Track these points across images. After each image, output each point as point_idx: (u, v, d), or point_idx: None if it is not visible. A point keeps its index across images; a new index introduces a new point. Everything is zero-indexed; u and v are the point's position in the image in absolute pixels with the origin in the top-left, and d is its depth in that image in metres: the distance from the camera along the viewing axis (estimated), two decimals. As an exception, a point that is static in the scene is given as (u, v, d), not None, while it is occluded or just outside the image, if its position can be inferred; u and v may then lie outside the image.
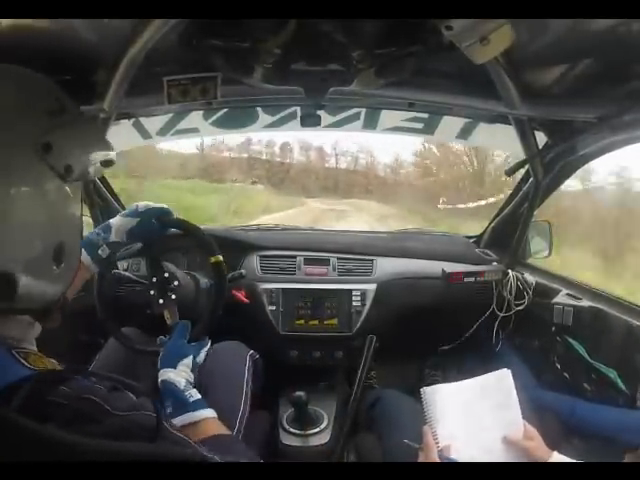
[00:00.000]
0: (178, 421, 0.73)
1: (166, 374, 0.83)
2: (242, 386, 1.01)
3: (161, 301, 1.05)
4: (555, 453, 0.76)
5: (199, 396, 0.80)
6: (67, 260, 0.49)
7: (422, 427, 0.81)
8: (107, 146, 0.58)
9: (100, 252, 0.90)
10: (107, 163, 0.57)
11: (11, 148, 0.43)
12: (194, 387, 0.82)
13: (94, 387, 0.46)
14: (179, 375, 0.83)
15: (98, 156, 0.55)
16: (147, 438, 0.44)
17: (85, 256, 0.88)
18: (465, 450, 0.78)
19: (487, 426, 0.81)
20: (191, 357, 0.87)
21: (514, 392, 0.84)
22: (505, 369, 0.87)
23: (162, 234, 1.02)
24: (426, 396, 0.84)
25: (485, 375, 0.87)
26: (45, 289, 0.47)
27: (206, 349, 0.93)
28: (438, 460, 0.75)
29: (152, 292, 1.06)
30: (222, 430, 0.75)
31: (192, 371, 0.86)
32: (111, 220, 0.96)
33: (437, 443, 0.78)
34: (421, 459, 0.77)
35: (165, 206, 1.01)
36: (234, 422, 0.93)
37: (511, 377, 0.85)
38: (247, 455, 0.69)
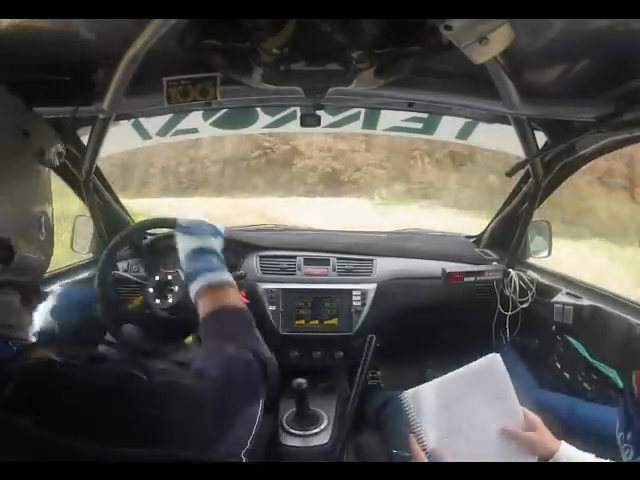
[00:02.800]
0: (191, 294, 0.70)
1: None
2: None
3: (159, 301, 1.05)
4: (563, 443, 0.70)
5: (194, 265, 0.72)
6: (47, 231, 0.56)
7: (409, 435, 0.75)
8: (56, 138, 0.64)
9: None
10: (59, 155, 0.63)
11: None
12: (206, 251, 0.74)
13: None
14: (184, 262, 0.75)
15: (56, 146, 0.62)
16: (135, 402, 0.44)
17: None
18: (460, 450, 0.72)
19: (481, 421, 0.74)
20: (179, 234, 0.77)
21: (507, 378, 0.75)
22: (494, 353, 0.78)
23: None
24: (408, 401, 0.77)
25: (472, 364, 0.78)
26: (35, 257, 0.53)
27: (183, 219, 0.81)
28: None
29: (151, 293, 1.06)
30: (230, 302, 0.69)
31: (190, 235, 0.76)
32: None
33: (425, 449, 0.73)
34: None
35: None
36: (251, 430, 0.92)
37: (502, 362, 0.76)
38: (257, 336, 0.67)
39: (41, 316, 0.94)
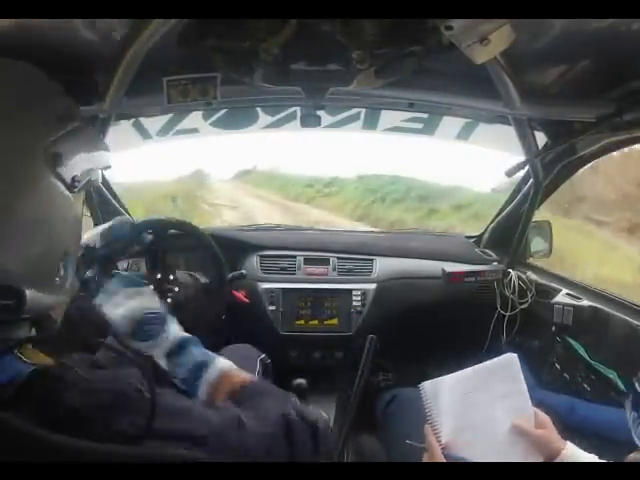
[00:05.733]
0: (204, 386, 0.64)
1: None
2: None
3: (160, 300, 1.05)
4: (569, 443, 0.72)
5: (183, 372, 0.66)
6: (67, 269, 0.48)
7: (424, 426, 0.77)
8: (106, 150, 0.57)
9: None
10: (106, 168, 0.57)
11: (18, 154, 0.41)
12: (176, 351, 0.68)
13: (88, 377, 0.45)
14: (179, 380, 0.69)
15: (100, 162, 0.54)
16: (139, 409, 0.42)
17: None
18: (473, 444, 0.74)
19: (495, 417, 0.76)
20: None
21: (522, 378, 0.78)
22: (511, 353, 0.81)
23: (132, 238, 0.99)
24: (426, 391, 0.78)
25: (490, 361, 0.80)
26: (47, 299, 0.46)
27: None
28: (443, 459, 0.71)
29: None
30: (245, 377, 0.65)
31: (142, 339, 0.68)
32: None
33: (440, 440, 0.74)
34: (425, 460, 0.74)
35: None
36: None
37: (518, 362, 0.79)
38: (280, 395, 0.62)
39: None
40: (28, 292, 0.42)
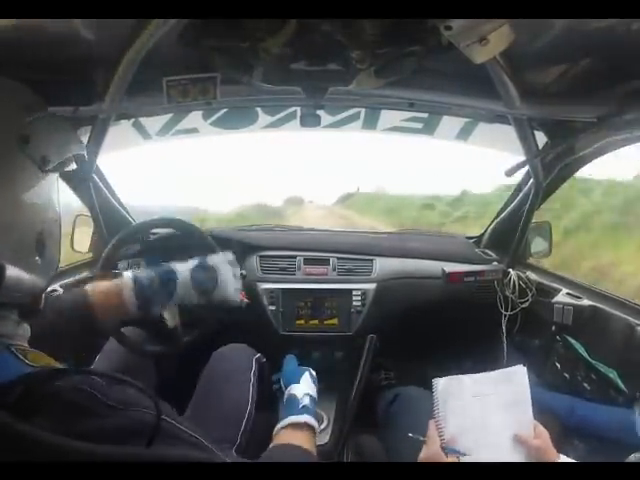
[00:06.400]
0: (286, 421, 0.77)
1: (292, 389, 0.85)
2: (248, 390, 1.00)
3: (161, 299, 1.05)
4: (562, 456, 0.74)
5: (310, 403, 0.82)
6: (48, 251, 0.51)
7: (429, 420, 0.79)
8: (78, 141, 0.62)
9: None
10: (78, 158, 0.60)
11: None
12: (313, 399, 0.85)
13: (92, 381, 0.45)
14: (301, 387, 0.86)
15: (71, 151, 0.59)
16: (145, 436, 0.43)
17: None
18: (473, 445, 0.76)
19: (497, 422, 0.79)
20: (307, 373, 0.90)
21: (528, 390, 0.81)
22: (521, 365, 0.84)
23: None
24: (438, 387, 0.82)
25: (500, 370, 0.84)
26: (30, 280, 0.48)
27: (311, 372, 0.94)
28: (440, 452, 0.73)
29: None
30: (304, 442, 0.75)
31: (314, 384, 0.89)
32: None
33: (442, 436, 0.77)
34: (423, 452, 0.75)
35: None
36: (239, 426, 0.93)
37: (526, 374, 0.83)
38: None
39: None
40: (8, 268, 0.43)
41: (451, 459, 0.73)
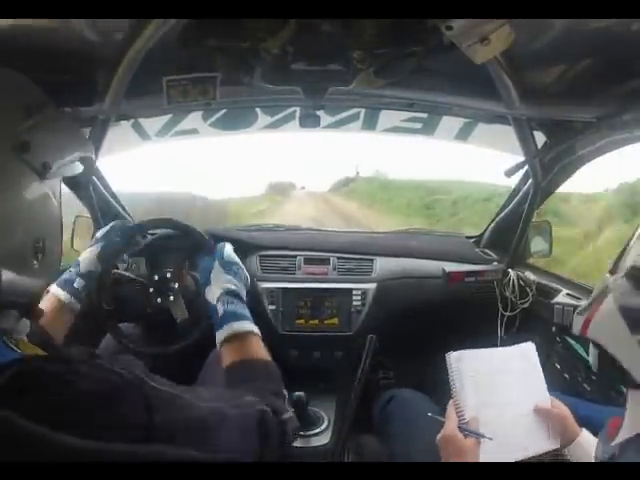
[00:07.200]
0: (216, 340, 0.73)
1: (206, 294, 0.79)
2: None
3: (160, 300, 1.05)
4: (584, 430, 0.75)
5: (229, 308, 0.74)
6: (47, 255, 0.51)
7: (435, 423, 0.78)
8: (85, 143, 0.60)
9: (76, 285, 0.90)
10: (86, 161, 0.59)
11: None
12: (234, 294, 0.77)
13: (79, 366, 0.44)
14: (213, 287, 0.79)
15: (76, 153, 0.57)
16: (133, 402, 0.43)
17: (65, 295, 0.87)
18: (493, 422, 0.75)
19: (515, 398, 0.79)
20: (216, 262, 0.82)
21: (539, 364, 0.82)
22: (529, 342, 0.85)
23: (130, 244, 1.05)
24: (452, 362, 0.80)
25: (510, 347, 0.84)
26: (27, 283, 0.48)
27: (229, 246, 0.88)
28: (457, 432, 0.72)
29: (152, 291, 1.06)
30: (253, 353, 0.70)
31: (227, 272, 0.80)
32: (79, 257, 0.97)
33: (462, 415, 0.75)
34: (442, 432, 0.74)
35: (118, 221, 1.06)
36: None
37: (535, 350, 0.84)
38: (277, 388, 0.66)
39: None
40: (4, 272, 0.43)
41: (470, 440, 0.72)
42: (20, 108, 0.48)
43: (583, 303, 0.61)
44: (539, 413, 0.77)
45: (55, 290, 0.87)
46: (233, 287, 0.78)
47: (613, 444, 0.57)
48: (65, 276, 0.92)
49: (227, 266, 0.82)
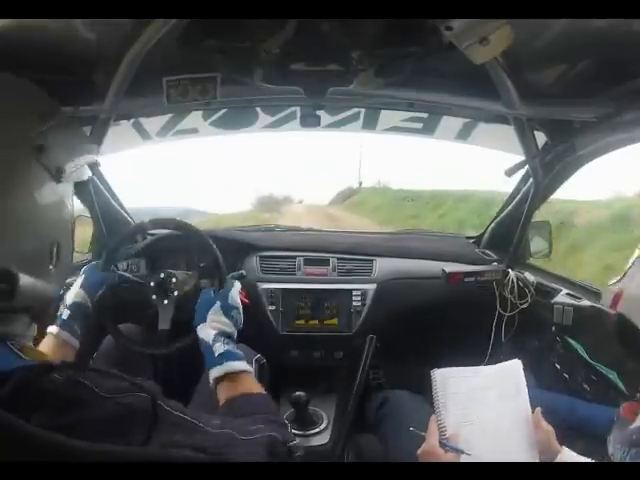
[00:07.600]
0: (211, 376, 0.75)
1: (199, 331, 0.81)
2: None
3: (159, 300, 1.05)
4: (565, 448, 0.74)
5: (225, 348, 0.77)
6: (61, 259, 0.51)
7: (429, 417, 0.79)
8: (92, 148, 0.61)
9: (64, 317, 0.87)
10: (93, 165, 0.60)
11: (6, 150, 0.45)
12: (229, 336, 0.81)
13: (86, 374, 0.45)
14: (208, 327, 0.81)
15: (86, 158, 0.58)
16: (144, 421, 0.43)
17: (54, 328, 0.85)
18: (473, 439, 0.76)
19: (497, 416, 0.79)
20: (218, 303, 0.84)
21: (524, 383, 0.82)
22: (516, 360, 0.85)
23: (107, 273, 1.03)
24: (436, 378, 0.82)
25: (496, 365, 0.85)
26: (42, 288, 0.48)
27: (236, 289, 0.89)
28: (438, 448, 0.73)
29: (151, 292, 1.06)
30: (249, 388, 0.73)
31: (226, 316, 0.83)
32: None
33: (444, 431, 0.76)
34: (422, 447, 0.75)
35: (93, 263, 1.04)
36: None
37: (522, 368, 0.84)
38: (277, 418, 0.68)
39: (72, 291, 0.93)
40: (21, 277, 0.44)
41: (450, 455, 0.73)
42: (35, 114, 0.49)
43: (614, 278, 0.60)
44: (521, 431, 0.77)
45: (49, 329, 0.85)
46: (229, 330, 0.82)
47: (633, 427, 0.57)
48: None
49: (228, 310, 0.85)
